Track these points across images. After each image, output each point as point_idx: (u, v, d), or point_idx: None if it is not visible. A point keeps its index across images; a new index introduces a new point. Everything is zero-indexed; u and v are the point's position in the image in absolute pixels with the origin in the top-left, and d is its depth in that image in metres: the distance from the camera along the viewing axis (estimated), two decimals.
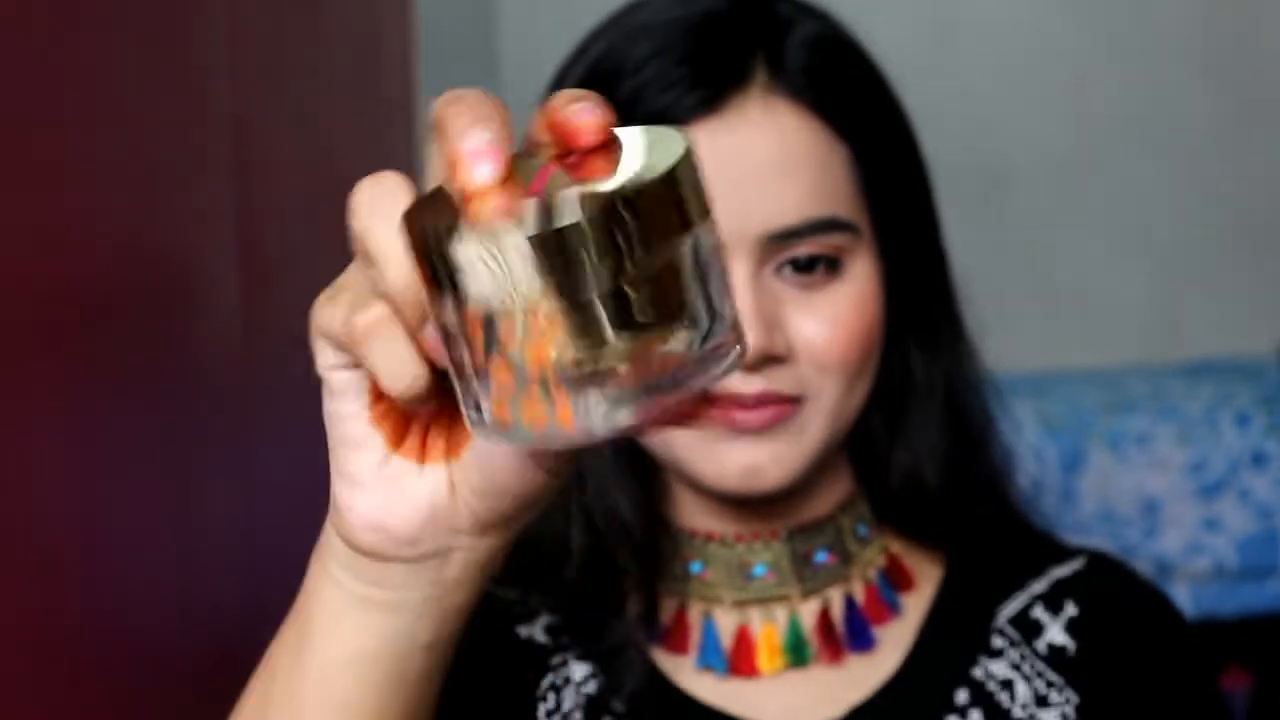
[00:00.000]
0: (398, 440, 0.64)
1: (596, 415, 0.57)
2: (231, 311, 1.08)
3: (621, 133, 0.60)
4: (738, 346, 0.59)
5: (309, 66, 1.27)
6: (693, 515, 1.04)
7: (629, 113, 0.97)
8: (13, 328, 0.80)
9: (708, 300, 0.58)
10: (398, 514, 0.64)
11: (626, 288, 0.56)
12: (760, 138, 0.97)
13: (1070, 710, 1.02)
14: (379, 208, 0.60)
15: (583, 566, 1.03)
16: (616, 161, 0.59)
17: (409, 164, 1.54)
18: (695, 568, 1.03)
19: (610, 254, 0.56)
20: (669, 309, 0.57)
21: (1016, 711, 1.02)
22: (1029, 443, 1.93)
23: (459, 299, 0.57)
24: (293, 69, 1.24)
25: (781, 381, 0.97)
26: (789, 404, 0.98)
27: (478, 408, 0.59)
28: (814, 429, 0.99)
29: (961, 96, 2.47)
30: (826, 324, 0.98)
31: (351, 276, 0.62)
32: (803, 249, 0.98)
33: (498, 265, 0.56)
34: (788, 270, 0.98)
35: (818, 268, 0.98)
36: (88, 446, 0.88)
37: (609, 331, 0.56)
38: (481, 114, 0.58)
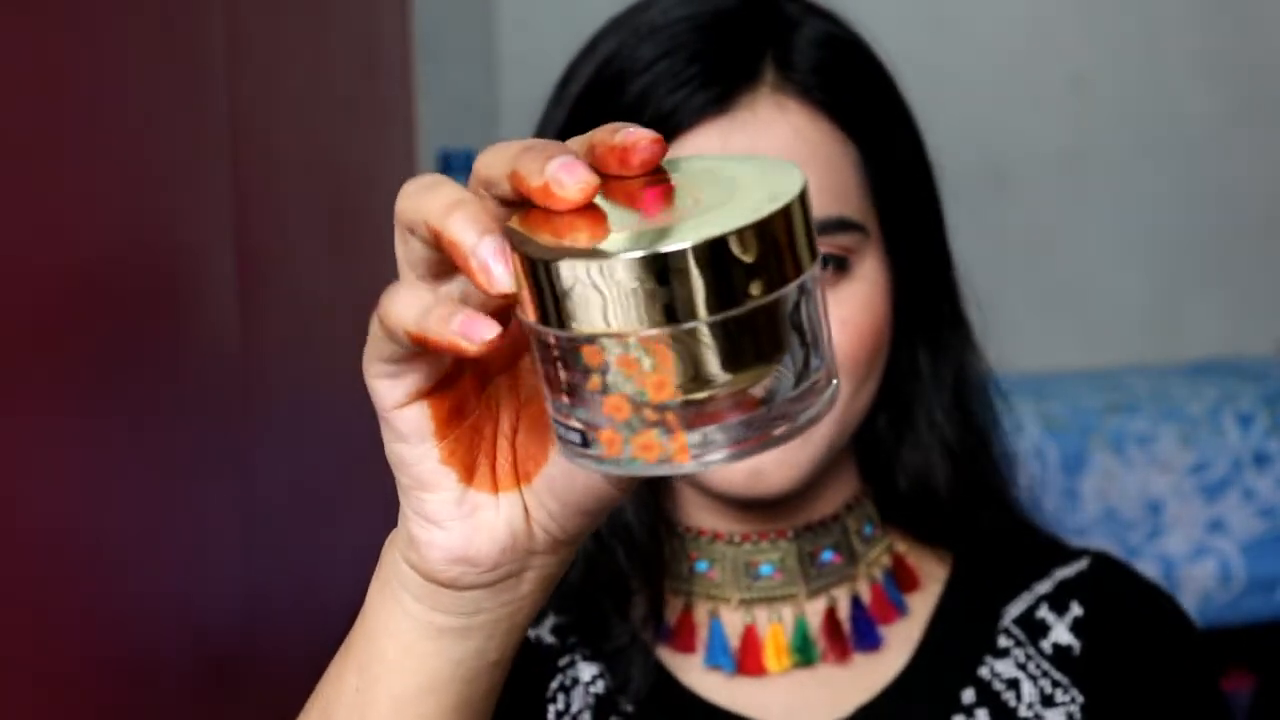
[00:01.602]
0: (469, 475, 0.64)
1: (709, 447, 0.56)
2: (228, 309, 1.07)
3: (730, 160, 0.59)
4: (833, 382, 0.58)
5: (309, 66, 1.27)
6: (699, 514, 1.03)
7: (638, 112, 0.96)
8: (8, 324, 0.79)
9: (806, 335, 0.56)
10: (479, 545, 0.64)
11: (734, 324, 0.54)
12: (770, 137, 0.96)
13: (1076, 710, 1.02)
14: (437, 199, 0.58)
15: (586, 566, 1.02)
16: (669, 191, 0.57)
17: (408, 162, 1.54)
18: (701, 567, 1.03)
19: (723, 289, 0.54)
20: (773, 346, 0.55)
21: (1022, 711, 1.02)
22: (1030, 443, 1.92)
23: (565, 325, 0.55)
24: (292, 68, 1.23)
25: None
26: None
27: (582, 437, 0.57)
28: (820, 431, 0.98)
29: (961, 96, 2.47)
30: (835, 324, 0.97)
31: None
32: None
33: (612, 292, 0.54)
34: None
35: (826, 268, 0.97)
36: (83, 443, 0.88)
37: (715, 367, 0.55)
38: (555, 147, 0.57)
